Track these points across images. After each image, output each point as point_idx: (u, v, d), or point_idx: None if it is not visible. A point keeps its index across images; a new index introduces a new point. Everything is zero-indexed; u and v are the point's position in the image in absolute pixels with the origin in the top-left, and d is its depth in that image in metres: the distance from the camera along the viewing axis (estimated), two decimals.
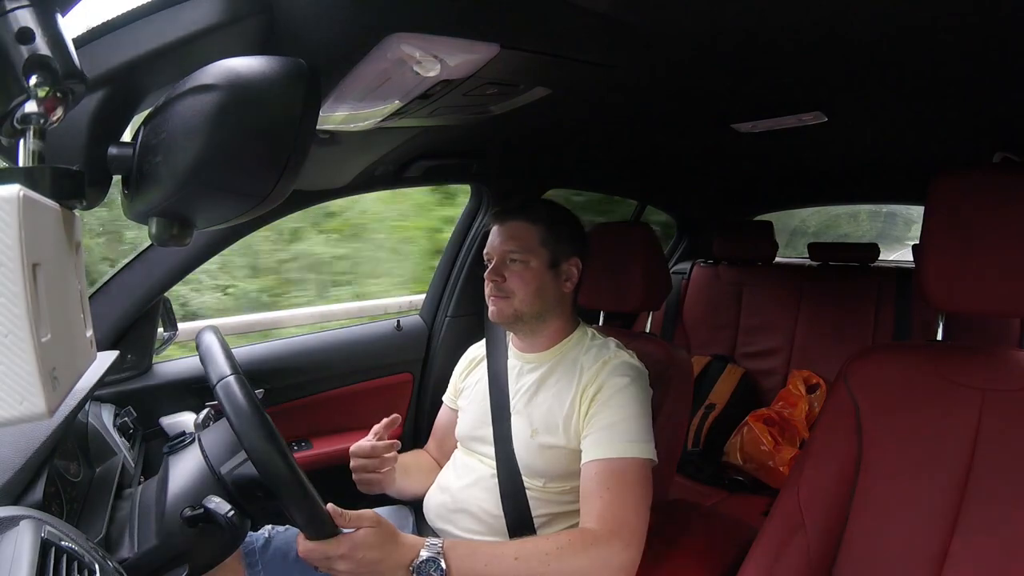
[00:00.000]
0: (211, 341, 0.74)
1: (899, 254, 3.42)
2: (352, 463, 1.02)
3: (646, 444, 0.91)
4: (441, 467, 1.16)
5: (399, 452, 1.07)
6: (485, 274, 1.06)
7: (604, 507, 0.85)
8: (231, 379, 0.69)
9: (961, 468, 0.78)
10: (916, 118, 1.17)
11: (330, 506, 0.74)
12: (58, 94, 0.37)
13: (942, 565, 0.77)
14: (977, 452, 0.78)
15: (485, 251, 1.08)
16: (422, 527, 1.09)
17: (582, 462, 0.92)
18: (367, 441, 1.02)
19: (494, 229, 1.08)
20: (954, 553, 0.77)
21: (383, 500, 1.43)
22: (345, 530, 0.75)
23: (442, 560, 0.77)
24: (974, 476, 0.78)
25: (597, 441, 0.91)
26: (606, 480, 0.87)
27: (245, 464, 0.71)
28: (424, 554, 0.78)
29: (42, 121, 0.37)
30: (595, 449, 0.91)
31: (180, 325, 1.27)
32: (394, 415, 1.04)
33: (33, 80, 0.36)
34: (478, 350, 1.20)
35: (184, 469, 0.75)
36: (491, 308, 1.05)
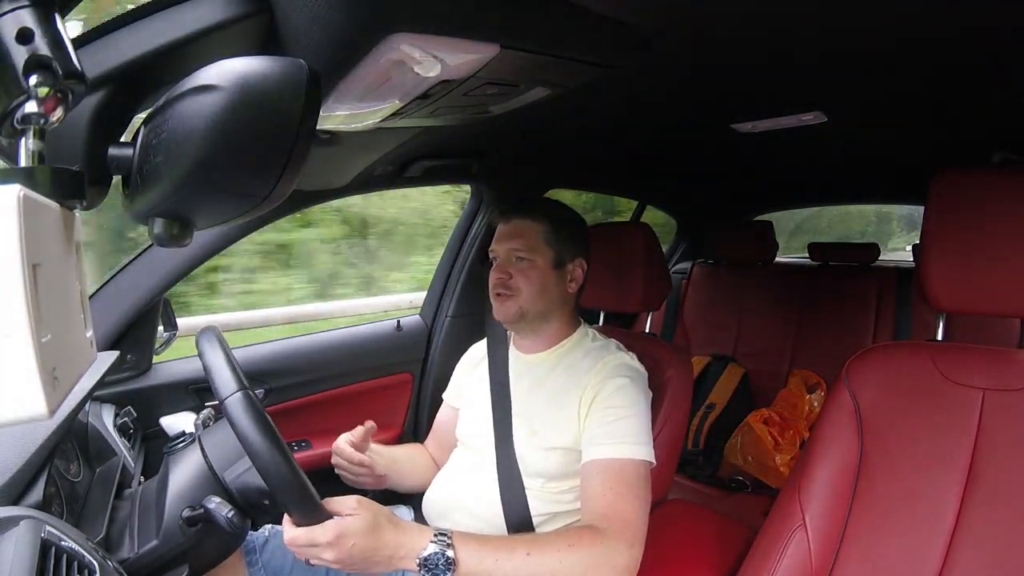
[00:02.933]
0: (213, 347, 0.72)
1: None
2: (333, 459, 1.02)
3: (646, 446, 0.91)
4: (439, 465, 1.16)
5: (394, 444, 1.06)
6: (491, 271, 1.06)
7: (607, 506, 0.85)
8: (239, 395, 0.67)
9: (962, 468, 0.78)
10: (916, 118, 1.17)
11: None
12: (58, 94, 0.37)
13: (943, 565, 0.77)
14: (978, 452, 0.78)
15: (490, 248, 1.08)
16: (421, 524, 1.10)
17: (583, 461, 0.92)
18: (345, 443, 1.01)
19: (499, 227, 1.08)
20: (956, 553, 0.77)
21: (383, 498, 1.43)
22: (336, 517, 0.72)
23: (451, 552, 0.74)
24: (975, 476, 0.78)
25: (598, 441, 0.91)
26: (608, 480, 0.88)
27: (252, 473, 0.71)
28: (432, 547, 0.74)
29: (42, 121, 0.36)
30: (596, 449, 0.91)
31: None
32: (369, 423, 1.03)
33: (33, 80, 0.36)
34: (480, 350, 1.20)
35: (184, 469, 0.75)
36: (495, 306, 1.06)
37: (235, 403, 0.66)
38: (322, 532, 0.69)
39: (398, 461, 1.13)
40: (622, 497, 0.86)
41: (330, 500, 0.74)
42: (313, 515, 0.70)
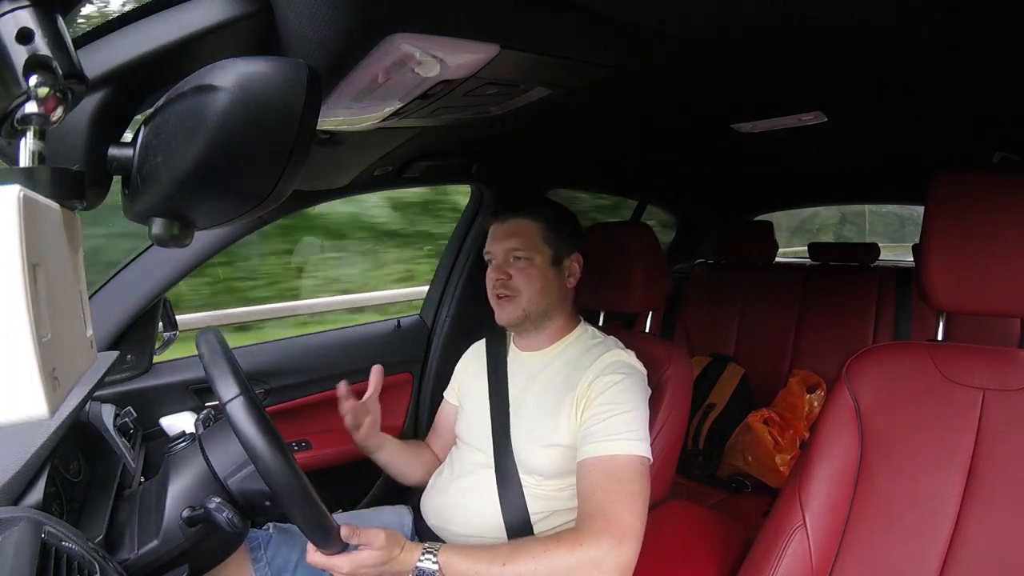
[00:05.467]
0: (214, 350, 0.72)
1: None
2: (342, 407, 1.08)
3: (640, 442, 0.90)
4: (440, 461, 1.16)
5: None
6: (488, 273, 1.06)
7: (596, 506, 0.85)
8: (241, 399, 0.67)
9: (962, 468, 0.78)
10: (916, 118, 1.17)
11: (344, 527, 0.75)
12: (58, 94, 0.37)
13: (944, 565, 0.77)
14: (978, 452, 0.78)
15: (486, 251, 1.08)
16: (420, 525, 1.10)
17: (577, 460, 0.92)
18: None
19: (493, 228, 1.08)
20: (956, 553, 0.77)
21: (383, 499, 1.43)
22: (354, 545, 0.77)
23: (436, 566, 0.80)
24: (976, 476, 0.78)
25: (592, 439, 0.91)
26: (599, 478, 0.87)
27: (253, 477, 0.71)
28: (420, 564, 0.80)
29: (42, 121, 0.36)
30: (590, 447, 0.91)
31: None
32: (378, 366, 1.09)
33: (33, 80, 0.36)
34: (479, 347, 1.20)
35: (184, 469, 0.75)
36: (498, 311, 1.06)
37: (265, 454, 0.66)
38: (340, 563, 0.76)
39: (404, 453, 1.15)
40: (612, 495, 0.85)
41: (360, 532, 0.77)
42: (332, 546, 0.74)
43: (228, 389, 0.68)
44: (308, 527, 0.70)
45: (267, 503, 0.73)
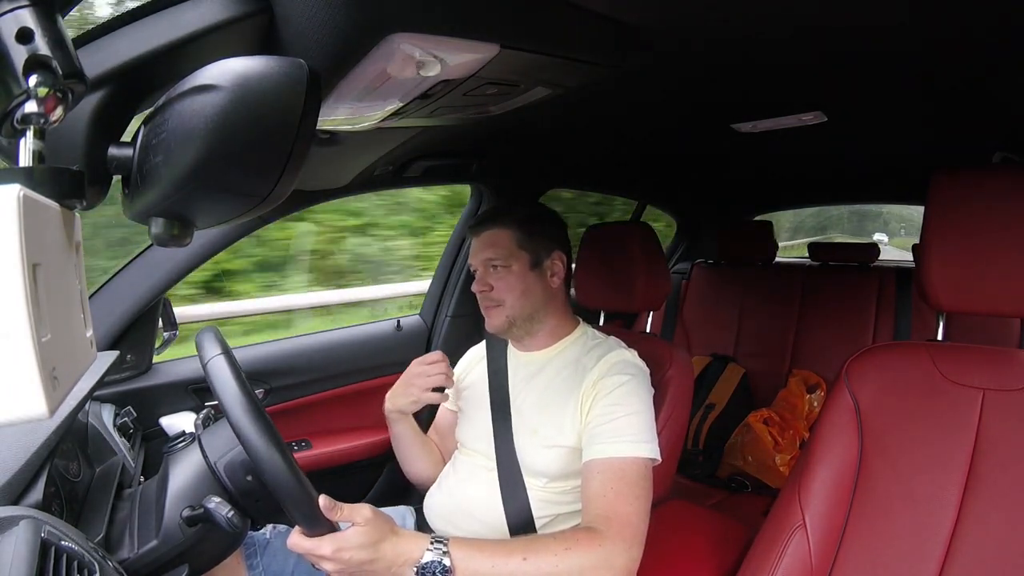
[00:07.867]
0: (208, 337, 0.74)
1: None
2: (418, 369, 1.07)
3: (648, 444, 0.91)
4: (445, 461, 1.16)
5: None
6: (473, 284, 1.08)
7: (607, 507, 0.85)
8: (220, 358, 0.69)
9: (962, 468, 0.78)
10: (916, 118, 1.17)
11: (322, 497, 0.71)
12: (58, 94, 0.37)
13: (943, 565, 0.77)
14: (978, 452, 0.78)
15: (468, 262, 1.10)
16: (423, 527, 1.10)
17: (583, 460, 0.92)
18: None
19: (471, 241, 1.09)
20: (955, 553, 0.77)
21: (383, 499, 1.43)
22: (342, 524, 0.74)
23: (447, 560, 0.75)
24: (975, 476, 0.78)
25: (599, 440, 0.91)
26: (608, 480, 0.87)
27: (237, 452, 0.72)
28: (429, 554, 0.75)
29: (42, 121, 0.36)
30: (597, 448, 0.91)
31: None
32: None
33: (33, 80, 0.36)
34: (478, 350, 1.21)
35: (184, 469, 0.75)
36: (486, 320, 1.08)
37: (235, 405, 0.67)
38: (319, 545, 0.72)
39: (426, 443, 1.16)
40: (622, 497, 0.85)
41: (345, 507, 0.74)
42: (317, 527, 0.72)
43: (210, 351, 0.70)
44: (286, 497, 0.68)
45: (248, 477, 0.72)
